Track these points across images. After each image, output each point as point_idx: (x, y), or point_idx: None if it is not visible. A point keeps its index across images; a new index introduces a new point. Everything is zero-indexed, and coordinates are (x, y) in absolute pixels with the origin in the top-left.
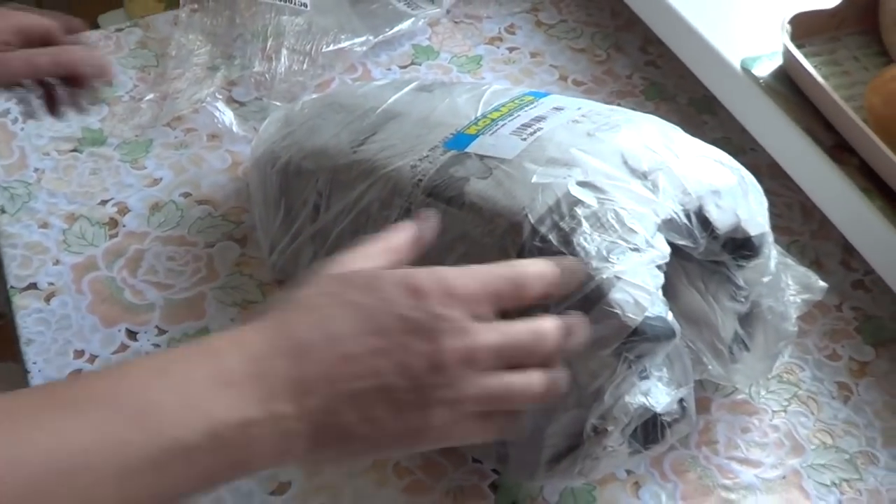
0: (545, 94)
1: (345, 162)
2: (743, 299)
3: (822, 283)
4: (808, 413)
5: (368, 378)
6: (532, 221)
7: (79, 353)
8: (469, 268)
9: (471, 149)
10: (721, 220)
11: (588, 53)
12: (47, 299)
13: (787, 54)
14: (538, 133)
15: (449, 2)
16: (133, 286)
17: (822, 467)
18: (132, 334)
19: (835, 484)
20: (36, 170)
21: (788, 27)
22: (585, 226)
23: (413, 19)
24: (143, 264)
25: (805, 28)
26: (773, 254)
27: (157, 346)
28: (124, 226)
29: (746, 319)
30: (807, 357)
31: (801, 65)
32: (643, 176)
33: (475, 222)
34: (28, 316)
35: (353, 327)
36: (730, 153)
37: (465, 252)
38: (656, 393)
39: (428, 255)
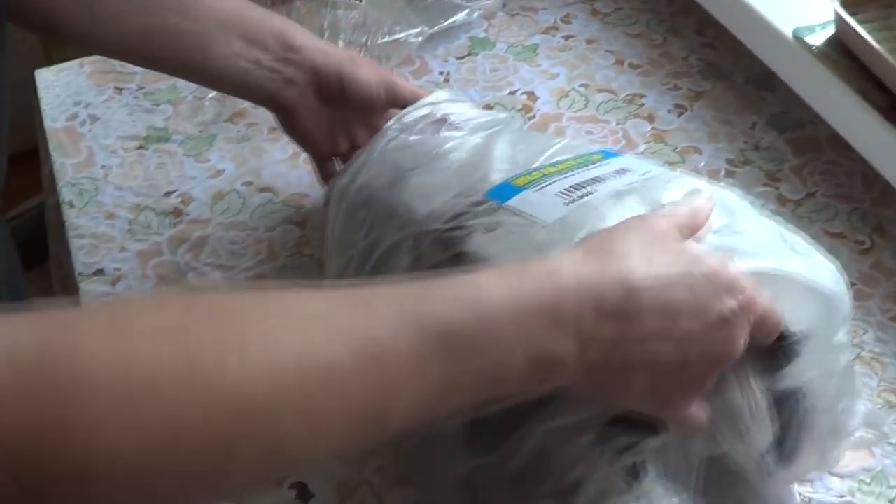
0: (616, 155)
1: (383, 196)
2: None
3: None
4: (872, 374)
5: (671, 358)
6: None
7: None
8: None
9: (510, 203)
10: None
11: (644, 38)
12: (113, 283)
13: (839, 20)
14: (587, 198)
15: None
16: (196, 269)
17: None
18: None
19: None
20: (103, 167)
21: None
22: None
23: (467, 11)
24: (205, 249)
25: None
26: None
27: None
28: (188, 214)
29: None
30: (870, 319)
31: (852, 28)
32: None
33: None
34: (95, 300)
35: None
36: (790, 127)
37: None
38: (654, 498)
39: None
